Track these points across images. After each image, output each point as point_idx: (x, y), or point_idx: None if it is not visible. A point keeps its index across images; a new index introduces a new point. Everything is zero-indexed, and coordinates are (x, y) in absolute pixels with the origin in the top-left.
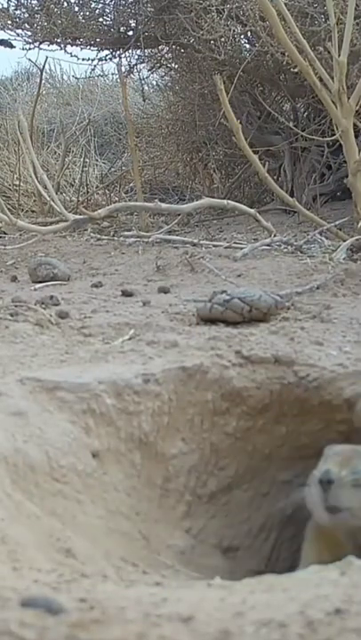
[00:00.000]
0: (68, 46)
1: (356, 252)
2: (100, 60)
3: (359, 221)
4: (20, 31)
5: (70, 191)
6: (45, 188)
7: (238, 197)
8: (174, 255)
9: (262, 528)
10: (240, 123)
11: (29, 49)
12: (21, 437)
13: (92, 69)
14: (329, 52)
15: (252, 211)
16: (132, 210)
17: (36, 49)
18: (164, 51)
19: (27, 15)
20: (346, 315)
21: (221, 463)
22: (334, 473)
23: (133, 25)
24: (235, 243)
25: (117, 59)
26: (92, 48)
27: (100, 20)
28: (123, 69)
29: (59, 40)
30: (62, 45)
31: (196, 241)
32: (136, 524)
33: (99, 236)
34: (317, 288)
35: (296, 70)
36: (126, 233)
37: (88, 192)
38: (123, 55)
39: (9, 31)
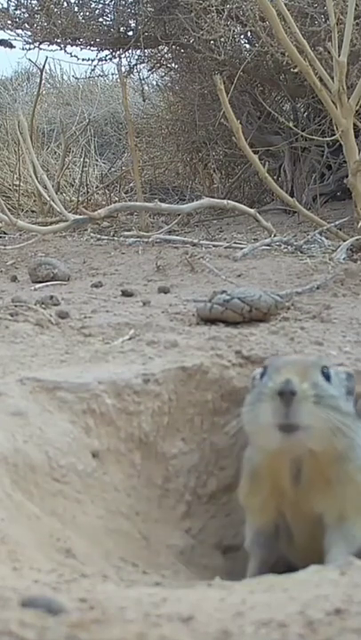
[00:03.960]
0: (68, 46)
1: (356, 252)
2: (100, 60)
3: (359, 221)
4: (20, 31)
5: (70, 191)
6: (45, 188)
7: (238, 197)
8: (174, 255)
9: None
10: (240, 123)
11: (29, 49)
12: (21, 437)
13: (92, 69)
14: (329, 52)
15: (252, 211)
16: (132, 210)
17: (36, 49)
18: (164, 51)
19: (27, 15)
20: (346, 315)
21: (221, 463)
22: (297, 384)
23: (133, 25)
24: (235, 243)
25: (117, 59)
26: (92, 48)
27: (100, 20)
28: (123, 69)
29: (59, 40)
30: (62, 45)
31: (196, 241)
32: (136, 524)
33: (99, 235)
34: (317, 288)
35: (296, 70)
36: (126, 233)
37: (88, 192)
38: (123, 55)
39: (9, 31)
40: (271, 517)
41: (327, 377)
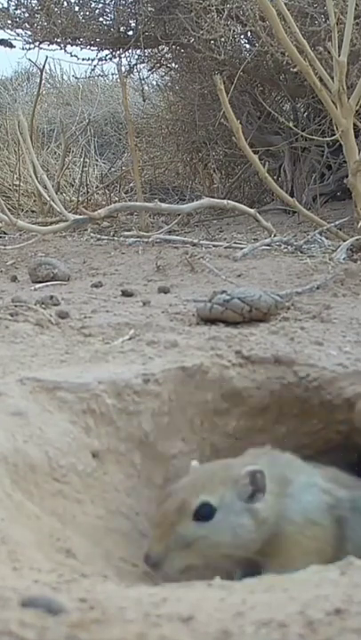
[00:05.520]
0: (68, 46)
1: (356, 252)
2: (100, 59)
3: (359, 221)
4: (20, 31)
5: (70, 191)
6: (45, 188)
7: (238, 197)
8: (174, 255)
9: None
10: (240, 123)
11: (29, 49)
12: (21, 437)
13: (92, 69)
14: (329, 52)
15: (252, 211)
16: (132, 210)
17: (36, 49)
18: (164, 51)
19: (27, 15)
20: (346, 315)
21: None
22: (155, 555)
23: (133, 25)
24: (235, 243)
25: (117, 59)
26: (92, 48)
27: (100, 19)
28: (123, 69)
29: (59, 40)
30: (62, 45)
31: (196, 241)
32: (136, 524)
33: (99, 235)
34: (317, 288)
35: (296, 70)
36: (126, 233)
37: (88, 192)
38: (123, 55)
39: (9, 31)
40: None
41: (205, 515)
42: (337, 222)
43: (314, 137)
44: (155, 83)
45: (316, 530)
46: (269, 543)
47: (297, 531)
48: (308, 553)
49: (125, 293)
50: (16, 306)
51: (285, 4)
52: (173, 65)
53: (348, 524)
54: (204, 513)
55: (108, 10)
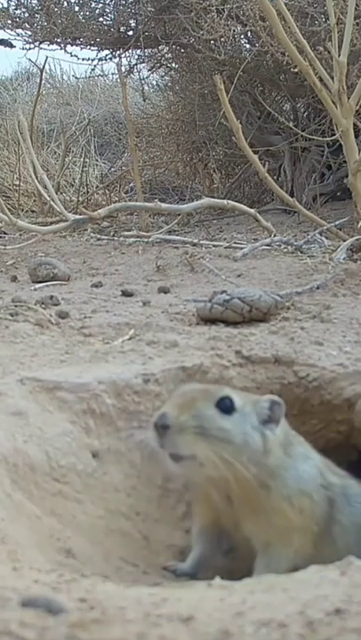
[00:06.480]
0: (68, 46)
1: (356, 252)
2: (100, 59)
3: (359, 221)
4: (20, 31)
5: (70, 191)
6: (45, 188)
7: (238, 197)
8: (174, 255)
9: None
10: (240, 123)
11: (29, 49)
12: (21, 437)
13: (92, 69)
14: (329, 52)
15: (252, 211)
16: (132, 210)
17: (36, 49)
18: (164, 51)
19: (27, 15)
20: (346, 315)
21: None
22: (171, 417)
23: (133, 25)
24: (235, 243)
25: (117, 59)
26: (92, 48)
27: (100, 19)
28: (123, 69)
29: (59, 40)
30: (62, 45)
31: (196, 241)
32: (136, 524)
33: (99, 235)
34: (317, 288)
35: (296, 70)
36: (126, 233)
37: (88, 192)
38: (123, 55)
39: (9, 31)
40: (210, 524)
41: (225, 408)
42: (337, 222)
43: (314, 137)
44: (155, 83)
45: (303, 501)
46: (257, 497)
47: (285, 495)
48: (291, 528)
49: (125, 293)
50: (16, 306)
51: (285, 4)
52: (173, 65)
53: (337, 507)
54: (226, 405)
55: (108, 10)
